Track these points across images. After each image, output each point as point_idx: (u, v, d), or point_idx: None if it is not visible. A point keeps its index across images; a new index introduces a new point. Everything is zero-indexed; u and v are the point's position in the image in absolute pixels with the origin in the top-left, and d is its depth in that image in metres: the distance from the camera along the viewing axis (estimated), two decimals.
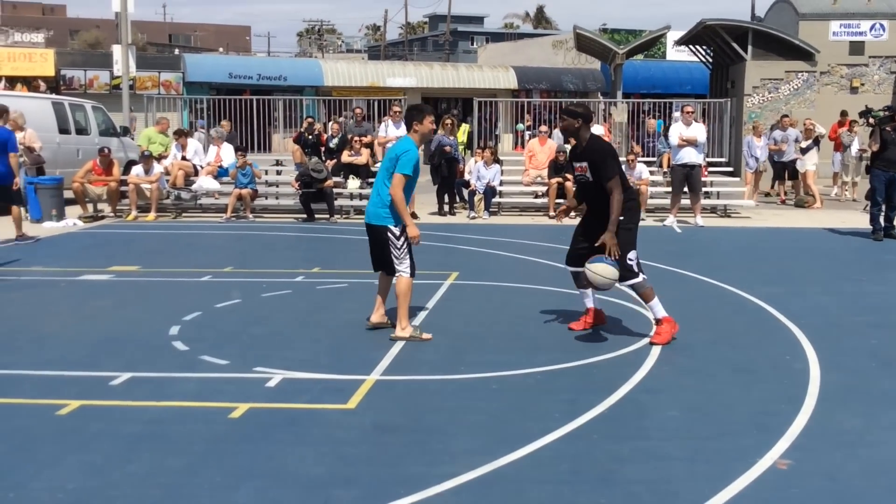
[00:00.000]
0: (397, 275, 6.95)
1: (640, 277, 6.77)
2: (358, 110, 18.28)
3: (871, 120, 13.37)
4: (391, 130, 16.29)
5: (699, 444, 4.73)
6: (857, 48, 24.17)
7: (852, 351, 6.69)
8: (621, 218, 6.65)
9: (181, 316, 7.67)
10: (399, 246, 6.91)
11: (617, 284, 6.78)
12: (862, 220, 14.96)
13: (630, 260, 6.71)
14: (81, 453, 4.57)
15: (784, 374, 6.04)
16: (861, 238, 13.21)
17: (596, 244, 6.69)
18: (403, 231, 6.90)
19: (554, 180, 16.08)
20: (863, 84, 23.95)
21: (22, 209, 12.64)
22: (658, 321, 6.84)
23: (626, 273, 6.69)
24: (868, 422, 5.10)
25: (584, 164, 6.83)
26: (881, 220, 12.93)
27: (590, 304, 7.22)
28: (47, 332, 7.22)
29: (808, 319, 7.65)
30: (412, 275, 6.97)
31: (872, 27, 24.21)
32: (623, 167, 16.48)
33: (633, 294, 7.07)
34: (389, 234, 6.89)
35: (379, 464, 4.46)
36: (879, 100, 23.64)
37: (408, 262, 6.93)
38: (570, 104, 7.23)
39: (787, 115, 19.66)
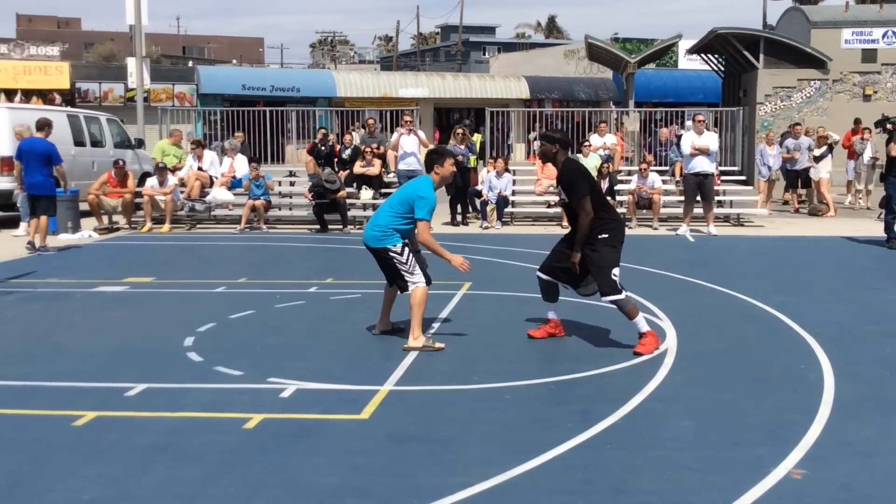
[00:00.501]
0: (412, 287, 6.99)
1: (623, 295, 6.81)
2: (371, 121, 18.37)
3: (890, 126, 13.35)
4: (403, 140, 16.34)
5: (712, 454, 4.72)
6: (869, 56, 24.12)
7: (866, 360, 6.66)
8: (605, 235, 6.79)
9: (196, 327, 7.72)
10: (405, 261, 6.99)
11: (601, 300, 6.91)
12: (876, 229, 14.88)
13: (614, 276, 6.77)
14: (97, 464, 4.60)
15: (798, 384, 6.02)
16: (875, 246, 13.16)
17: (566, 263, 6.92)
18: (405, 247, 7.00)
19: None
20: (876, 92, 23.90)
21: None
22: (642, 335, 6.83)
23: (607, 289, 6.77)
24: (883, 431, 5.08)
25: (560, 188, 7.05)
26: None
27: (552, 315, 7.36)
28: (63, 344, 7.27)
29: (821, 328, 7.62)
30: (428, 283, 7.06)
31: (885, 35, 24.17)
32: (635, 176, 16.49)
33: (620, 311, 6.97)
34: (392, 254, 7.00)
35: (392, 474, 4.47)
36: (893, 107, 23.59)
37: (419, 273, 7.01)
38: (548, 130, 7.45)
39: (798, 124, 19.62)
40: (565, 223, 15.98)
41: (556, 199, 16.57)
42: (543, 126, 25.63)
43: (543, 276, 7.23)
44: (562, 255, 7.06)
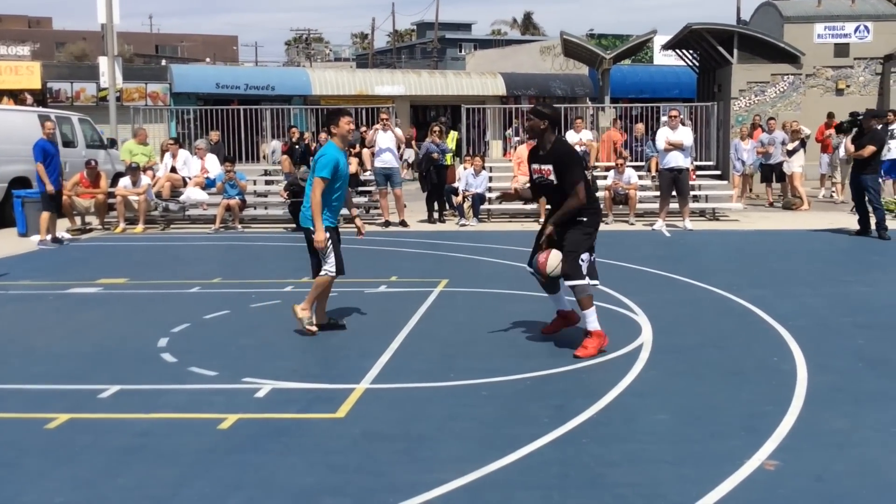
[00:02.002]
0: (322, 272, 7.20)
1: (584, 280, 6.63)
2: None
3: (849, 123, 13.66)
4: (379, 137, 16.30)
5: (687, 447, 4.75)
6: (841, 50, 24.33)
7: (839, 352, 6.72)
8: (584, 219, 6.67)
9: (170, 328, 7.67)
10: (324, 246, 7.15)
11: (563, 283, 6.77)
12: (849, 222, 15.04)
13: (582, 260, 6.65)
14: (70, 467, 4.56)
15: (772, 376, 6.07)
16: (848, 239, 13.28)
17: (541, 240, 6.79)
18: (328, 231, 7.15)
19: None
20: (848, 86, 24.11)
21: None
22: (588, 333, 6.67)
23: (571, 272, 6.59)
24: (855, 422, 5.12)
25: (549, 167, 6.75)
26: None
27: (559, 306, 7.24)
28: (35, 346, 7.20)
29: (795, 321, 7.68)
30: (338, 274, 7.26)
31: (857, 29, 24.38)
32: (611, 172, 16.51)
33: (574, 298, 6.79)
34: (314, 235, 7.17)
35: (368, 472, 4.46)
36: (865, 101, 23.81)
37: (332, 260, 7.21)
38: (538, 105, 7.17)
39: (772, 118, 19.76)
40: (542, 220, 16.06)
41: (525, 179, 16.60)
42: (521, 124, 25.66)
43: (531, 270, 7.11)
44: (542, 237, 6.93)
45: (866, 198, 13.40)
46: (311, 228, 7.15)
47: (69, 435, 5.05)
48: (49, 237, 13.77)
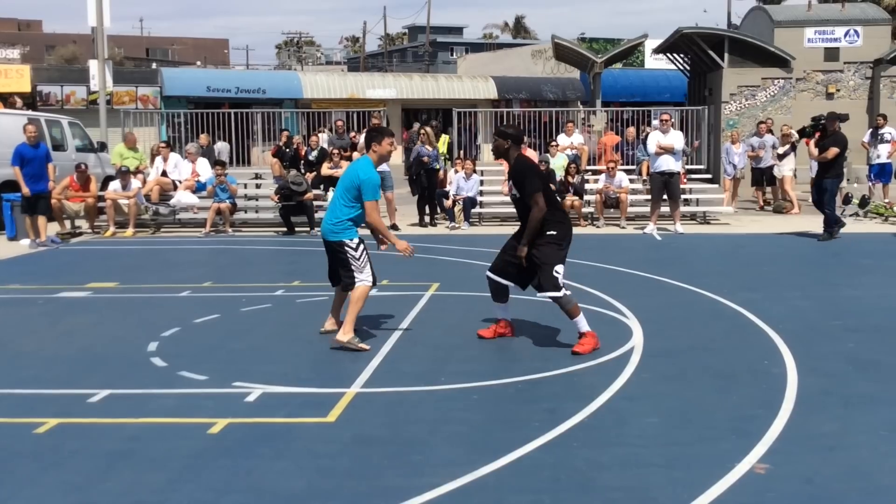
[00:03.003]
0: (356, 283, 7.05)
1: (562, 293, 6.78)
2: (339, 122, 18.30)
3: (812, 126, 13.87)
4: None
5: (678, 451, 4.75)
6: (832, 54, 24.43)
7: (829, 355, 6.74)
8: (553, 232, 6.78)
9: (160, 332, 7.64)
10: (358, 257, 7.07)
11: (538, 295, 6.93)
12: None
13: (556, 273, 6.75)
14: (59, 471, 4.54)
15: (762, 379, 6.08)
16: (838, 242, 13.32)
17: (514, 258, 6.95)
18: (360, 243, 7.08)
19: None
20: (838, 90, 24.20)
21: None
22: (581, 334, 6.84)
23: (547, 285, 6.75)
24: (845, 425, 5.14)
25: (511, 183, 7.07)
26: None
27: (501, 315, 7.38)
28: (25, 350, 7.17)
29: (785, 324, 7.70)
30: (374, 284, 7.16)
31: (847, 33, 24.47)
32: (603, 175, 16.51)
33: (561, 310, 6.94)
34: (347, 248, 7.06)
35: (359, 476, 4.45)
36: (855, 105, 23.92)
37: (368, 270, 7.10)
38: (501, 126, 7.40)
39: (763, 122, 19.82)
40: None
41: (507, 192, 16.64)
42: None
43: (494, 277, 7.22)
44: (512, 249, 7.06)
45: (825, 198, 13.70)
46: (343, 242, 7.02)
47: (58, 440, 5.02)
48: (39, 239, 13.89)
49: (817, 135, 13.69)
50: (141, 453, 4.79)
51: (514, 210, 7.44)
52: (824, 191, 13.56)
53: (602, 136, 20.33)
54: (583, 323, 6.84)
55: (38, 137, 14.44)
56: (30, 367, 6.65)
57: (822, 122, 13.68)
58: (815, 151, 13.60)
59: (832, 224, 13.59)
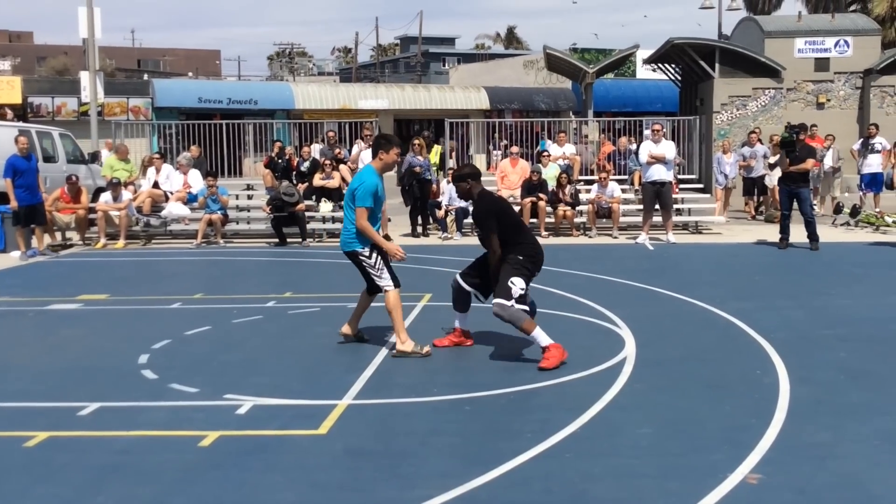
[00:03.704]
0: (383, 291, 7.14)
1: (510, 303, 6.66)
2: (331, 133, 18.30)
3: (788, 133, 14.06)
4: (363, 155, 16.30)
5: (670, 461, 4.74)
6: (822, 64, 24.52)
7: (821, 364, 6.74)
8: (520, 258, 6.84)
9: (150, 344, 7.61)
10: (373, 265, 7.12)
11: (493, 302, 6.85)
12: (831, 235, 15.15)
13: (511, 283, 6.70)
14: (49, 485, 4.51)
15: (754, 389, 6.08)
16: (829, 252, 13.36)
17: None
18: (373, 249, 7.11)
19: (527, 200, 16.13)
20: (829, 100, 24.28)
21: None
22: (544, 349, 6.70)
23: (499, 291, 6.74)
24: (837, 435, 5.14)
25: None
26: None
27: (459, 324, 7.44)
28: (15, 363, 7.13)
29: (777, 334, 7.71)
30: (397, 286, 7.17)
31: (837, 44, 24.57)
32: (595, 185, 16.54)
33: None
34: (362, 257, 7.14)
35: (350, 489, 4.43)
36: (845, 115, 24.01)
37: (387, 275, 7.15)
38: (455, 171, 7.52)
39: (754, 132, 19.89)
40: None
41: (516, 209, 16.66)
42: (506, 137, 25.72)
43: (461, 284, 7.25)
44: (479, 266, 7.19)
45: (793, 209, 13.94)
46: (356, 251, 7.10)
47: (48, 453, 4.99)
48: (30, 251, 13.93)
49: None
50: (132, 466, 4.76)
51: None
52: (803, 200, 13.79)
53: (602, 145, 20.37)
54: (542, 337, 6.68)
55: (29, 149, 14.41)
56: (20, 379, 6.61)
57: (796, 132, 13.88)
58: (788, 163, 13.72)
59: (815, 235, 13.70)
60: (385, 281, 7.13)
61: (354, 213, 7.05)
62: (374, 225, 7.15)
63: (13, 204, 13.80)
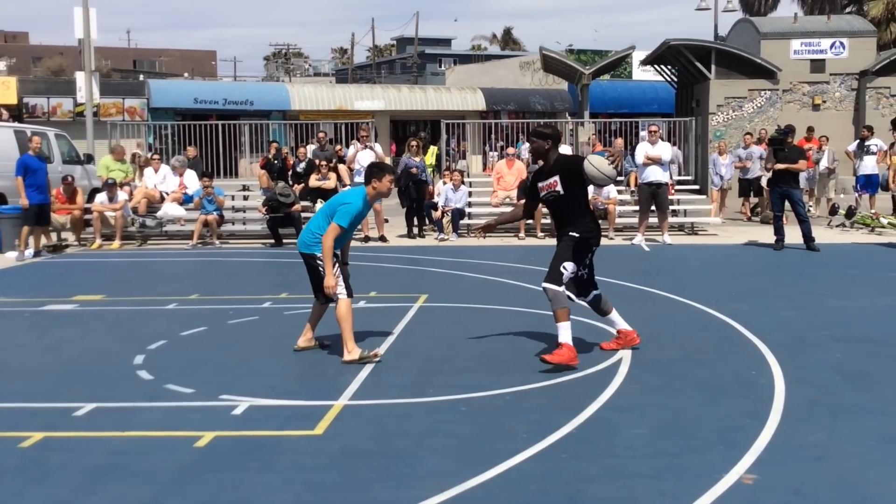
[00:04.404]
0: (335, 298, 6.94)
1: (560, 288, 6.63)
2: (321, 134, 18.30)
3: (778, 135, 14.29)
4: (359, 155, 16.29)
5: (666, 462, 4.74)
6: (818, 66, 24.60)
7: (816, 365, 6.75)
8: (576, 234, 6.78)
9: (146, 345, 7.60)
10: (334, 291, 6.92)
11: (543, 286, 6.75)
12: (827, 236, 15.18)
13: (563, 268, 6.68)
14: (44, 486, 4.50)
15: (749, 390, 6.09)
16: (824, 253, 13.38)
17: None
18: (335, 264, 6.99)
19: (523, 201, 16.11)
20: (824, 101, 24.36)
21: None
22: (559, 344, 6.65)
23: (549, 276, 6.68)
24: (832, 435, 5.14)
25: (555, 179, 6.88)
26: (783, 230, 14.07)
27: (618, 326, 7.26)
28: (10, 364, 7.12)
29: (773, 335, 7.72)
30: (349, 295, 7.02)
31: (833, 45, 24.65)
32: (591, 186, 16.58)
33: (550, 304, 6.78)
34: (318, 262, 6.98)
35: (346, 490, 4.43)
36: (841, 116, 24.09)
37: (342, 285, 6.98)
38: (538, 125, 7.32)
39: (749, 133, 19.93)
40: (522, 234, 16.13)
41: (504, 195, 16.65)
42: (502, 139, 25.73)
43: (578, 299, 7.17)
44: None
45: (787, 209, 14.05)
46: (315, 255, 6.97)
47: (43, 453, 4.98)
48: (28, 251, 13.95)
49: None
50: (127, 467, 4.75)
51: (548, 212, 7.42)
52: (795, 202, 13.86)
53: (594, 147, 20.40)
54: (564, 333, 6.63)
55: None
56: (15, 380, 6.60)
57: (785, 133, 14.03)
58: (776, 162, 13.85)
59: (811, 235, 13.72)
60: (339, 289, 6.94)
61: (327, 224, 6.90)
62: (339, 245, 7.04)
63: (24, 203, 13.88)
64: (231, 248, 15.42)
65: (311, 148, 18.32)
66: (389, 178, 7.09)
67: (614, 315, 7.24)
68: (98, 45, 25.19)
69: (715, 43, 27.47)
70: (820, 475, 4.54)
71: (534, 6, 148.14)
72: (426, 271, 12.09)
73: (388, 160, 24.71)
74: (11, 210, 14.90)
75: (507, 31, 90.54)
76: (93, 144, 22.70)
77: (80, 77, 23.56)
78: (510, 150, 17.95)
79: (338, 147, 18.00)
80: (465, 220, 16.72)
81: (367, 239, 15.73)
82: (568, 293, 6.90)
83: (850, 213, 16.99)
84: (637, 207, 16.06)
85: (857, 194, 18.32)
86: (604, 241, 15.25)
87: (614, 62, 30.16)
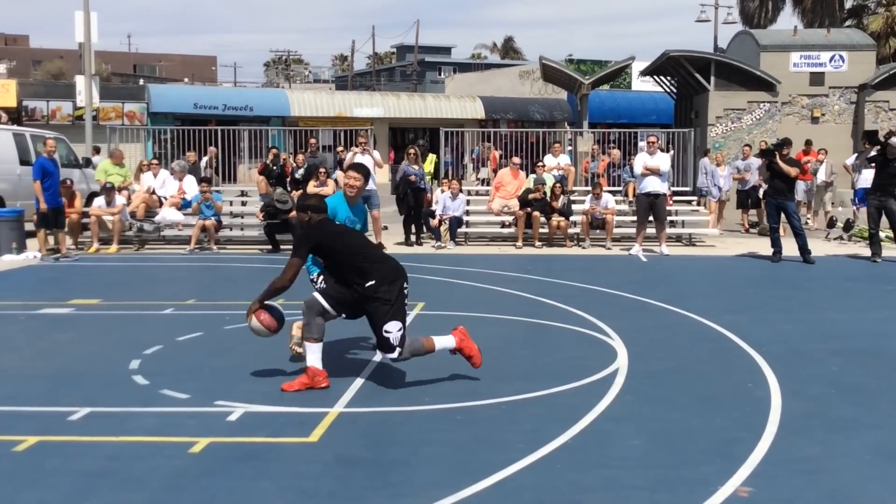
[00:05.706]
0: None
1: (396, 353, 6.26)
2: (312, 141, 18.30)
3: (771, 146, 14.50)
4: (358, 157, 16.27)
5: (661, 473, 4.73)
6: (817, 79, 24.65)
7: (813, 378, 6.75)
8: (372, 282, 6.26)
9: (142, 350, 7.58)
10: (315, 282, 7.24)
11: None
12: (824, 249, 15.19)
13: (386, 332, 6.21)
14: (38, 490, 4.48)
15: (746, 402, 6.08)
16: (821, 265, 13.39)
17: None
18: (319, 275, 7.21)
19: (522, 212, 16.12)
20: (823, 114, 24.40)
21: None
22: (453, 350, 6.50)
23: (382, 345, 6.29)
24: (828, 448, 5.14)
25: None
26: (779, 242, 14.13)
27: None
28: (5, 367, 7.10)
29: (769, 347, 7.71)
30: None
31: (832, 58, 24.71)
32: (589, 197, 16.55)
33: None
34: (311, 279, 7.28)
35: (341, 497, 4.41)
36: (840, 129, 24.14)
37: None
38: (298, 200, 6.99)
39: (748, 145, 19.95)
40: (519, 243, 16.14)
41: (510, 218, 16.70)
42: (500, 147, 25.73)
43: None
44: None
45: (783, 222, 14.15)
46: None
47: (37, 458, 4.96)
48: (37, 254, 14.23)
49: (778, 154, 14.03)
50: (121, 472, 4.74)
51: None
52: (791, 214, 13.94)
53: (592, 158, 20.40)
54: (442, 341, 6.46)
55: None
56: (10, 383, 6.58)
57: (780, 146, 14.13)
58: (768, 174, 14.06)
59: (806, 247, 13.75)
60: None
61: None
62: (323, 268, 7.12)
63: (43, 207, 14.09)
64: (228, 253, 15.40)
65: (300, 158, 18.36)
66: (351, 174, 7.20)
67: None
68: (98, 49, 25.25)
69: (714, 54, 27.53)
70: (815, 488, 4.53)
71: (535, 16, 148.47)
72: (423, 279, 12.06)
73: (386, 167, 24.75)
74: (9, 213, 14.88)
75: (508, 40, 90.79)
76: (91, 148, 22.71)
77: (79, 81, 23.61)
78: (515, 159, 17.85)
79: (339, 149, 18.00)
80: (463, 229, 16.72)
81: None
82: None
83: (848, 226, 17.02)
84: (635, 218, 16.06)
85: (855, 207, 18.34)
86: (601, 252, 15.40)
87: (614, 72, 30.19)
